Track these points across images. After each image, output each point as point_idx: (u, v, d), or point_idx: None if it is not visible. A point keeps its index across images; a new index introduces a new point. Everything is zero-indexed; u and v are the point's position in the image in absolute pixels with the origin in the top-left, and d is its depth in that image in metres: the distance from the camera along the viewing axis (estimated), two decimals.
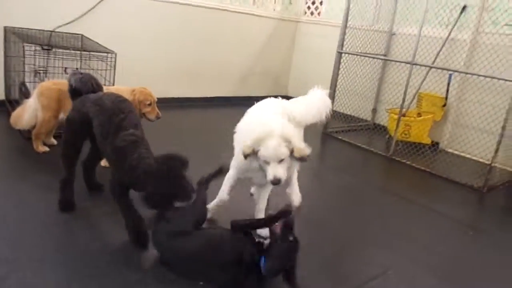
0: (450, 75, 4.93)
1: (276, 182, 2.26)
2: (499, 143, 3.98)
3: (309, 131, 3.07)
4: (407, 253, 2.74)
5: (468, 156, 5.02)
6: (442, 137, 5.32)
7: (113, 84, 3.99)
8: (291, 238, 2.00)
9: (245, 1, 6.33)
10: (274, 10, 6.82)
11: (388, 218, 3.30)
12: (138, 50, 5.29)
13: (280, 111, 2.72)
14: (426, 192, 4.05)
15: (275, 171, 2.25)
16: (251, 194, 3.15)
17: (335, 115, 5.55)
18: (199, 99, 6.04)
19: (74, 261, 2.17)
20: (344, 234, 2.90)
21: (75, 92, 2.62)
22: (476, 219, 3.62)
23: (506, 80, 4.06)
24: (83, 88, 2.59)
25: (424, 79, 5.06)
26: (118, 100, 2.49)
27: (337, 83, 5.37)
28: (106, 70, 4.01)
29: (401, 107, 4.79)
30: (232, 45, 6.28)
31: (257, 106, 2.84)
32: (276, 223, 2.07)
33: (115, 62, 3.99)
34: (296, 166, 2.87)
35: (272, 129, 2.32)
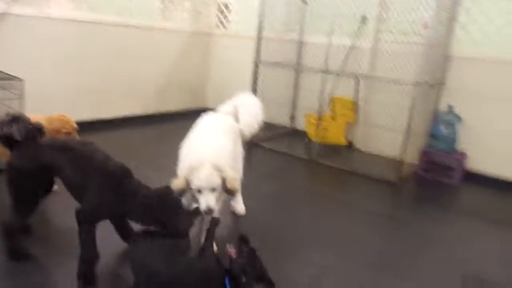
0: (358, 79, 5.37)
1: (208, 212, 2.29)
2: (406, 139, 4.44)
3: None
4: (341, 250, 2.95)
5: (379, 153, 5.50)
6: (355, 137, 5.76)
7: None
8: (246, 250, 2.09)
9: (150, 15, 6.20)
10: (182, 21, 6.77)
11: (319, 217, 3.51)
12: (46, 72, 4.91)
13: (228, 128, 2.84)
14: (349, 190, 4.37)
15: (208, 200, 2.28)
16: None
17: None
18: (115, 120, 5.78)
19: None
20: (281, 237, 3.03)
21: (10, 141, 2.33)
22: (396, 210, 4.00)
23: (404, 84, 4.55)
24: (27, 137, 2.34)
25: (333, 85, 5.43)
26: (87, 143, 2.41)
27: (256, 93, 5.53)
28: (12, 99, 3.67)
29: (319, 112, 5.09)
30: (144, 61, 6.10)
31: (205, 122, 2.93)
32: (229, 249, 2.13)
33: (23, 89, 3.67)
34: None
35: (204, 157, 2.37)
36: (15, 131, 2.28)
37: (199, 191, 2.31)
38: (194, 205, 2.42)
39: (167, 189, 2.27)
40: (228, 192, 2.40)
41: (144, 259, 2.09)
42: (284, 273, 2.58)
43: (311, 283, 2.51)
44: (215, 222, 2.34)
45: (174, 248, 2.16)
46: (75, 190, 2.33)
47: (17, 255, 2.43)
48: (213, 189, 2.31)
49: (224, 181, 2.34)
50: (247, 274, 2.04)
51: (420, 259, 2.97)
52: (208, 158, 2.36)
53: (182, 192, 2.33)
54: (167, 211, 2.19)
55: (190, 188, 2.34)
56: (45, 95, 4.67)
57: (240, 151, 3.11)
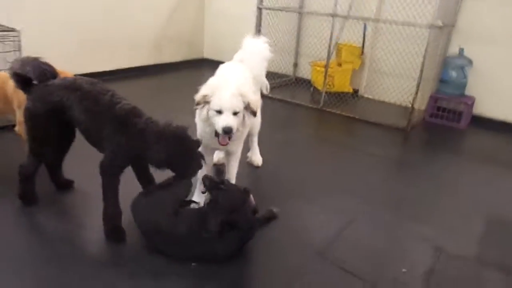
0: (365, 24, 5.18)
1: (227, 130, 2.20)
2: (418, 86, 4.36)
3: None
4: (363, 196, 2.96)
5: (385, 100, 5.43)
6: (360, 84, 5.66)
7: None
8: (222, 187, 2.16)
9: None
10: None
11: (336, 165, 3.50)
12: (44, 25, 4.62)
13: (247, 74, 2.75)
14: (360, 137, 4.34)
15: (227, 119, 2.21)
16: (215, 164, 3.13)
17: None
18: (113, 72, 5.57)
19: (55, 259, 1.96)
20: (304, 187, 3.01)
21: (25, 82, 2.27)
22: (408, 155, 4.01)
23: (419, 26, 4.40)
24: (41, 78, 2.25)
25: (342, 30, 5.24)
26: (95, 82, 2.29)
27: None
28: (9, 52, 3.46)
29: (328, 59, 4.94)
30: (140, 12, 5.80)
31: (226, 68, 2.82)
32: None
33: (19, 41, 3.45)
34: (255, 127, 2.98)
35: (229, 80, 2.36)
36: (30, 71, 2.22)
37: (220, 111, 2.23)
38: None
39: (182, 128, 2.15)
40: (252, 113, 2.35)
41: (144, 216, 2.16)
42: (318, 221, 2.60)
43: (342, 228, 2.53)
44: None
45: (174, 203, 2.17)
46: (86, 133, 2.27)
47: (26, 198, 2.47)
48: (234, 112, 2.24)
49: (247, 105, 2.30)
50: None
51: (439, 203, 2.99)
52: (233, 82, 2.34)
53: (198, 104, 2.31)
54: (182, 152, 2.11)
55: (209, 109, 2.27)
56: (42, 48, 4.38)
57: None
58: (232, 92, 2.24)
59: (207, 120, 2.31)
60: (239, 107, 2.25)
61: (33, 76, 2.24)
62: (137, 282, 1.96)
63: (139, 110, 2.20)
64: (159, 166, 2.16)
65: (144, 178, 2.49)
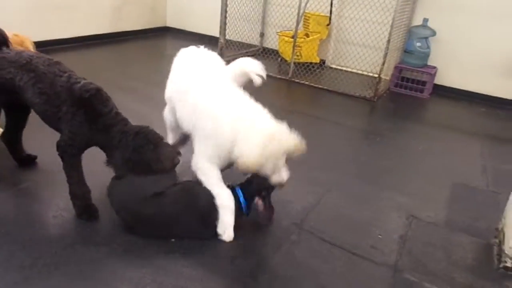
0: None
1: (282, 185, 2.14)
2: (385, 56, 4.40)
3: None
4: (338, 168, 2.99)
5: (351, 70, 5.47)
6: (327, 55, 5.65)
7: None
8: None
9: None
10: None
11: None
12: None
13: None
14: (328, 108, 4.36)
15: (283, 175, 2.11)
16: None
17: (228, 43, 5.43)
18: (70, 40, 5.23)
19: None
20: None
21: None
22: (377, 126, 4.08)
23: None
24: None
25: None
26: (53, 62, 2.10)
27: (226, 9, 5.14)
28: None
29: (296, 29, 4.87)
30: None
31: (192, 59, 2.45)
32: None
33: None
34: None
35: (285, 145, 2.11)
36: None
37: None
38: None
39: (146, 127, 2.04)
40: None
41: (122, 200, 2.06)
42: (292, 192, 2.58)
43: (318, 199, 2.55)
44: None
45: (153, 185, 2.07)
46: (41, 114, 2.11)
47: None
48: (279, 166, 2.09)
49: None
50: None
51: (409, 171, 3.08)
52: (281, 137, 2.11)
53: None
54: (146, 149, 1.97)
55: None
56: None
57: None
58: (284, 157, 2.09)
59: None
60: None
61: None
62: (116, 259, 1.89)
63: (104, 93, 2.03)
64: (125, 165, 2.00)
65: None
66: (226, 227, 2.09)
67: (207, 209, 2.07)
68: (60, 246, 1.93)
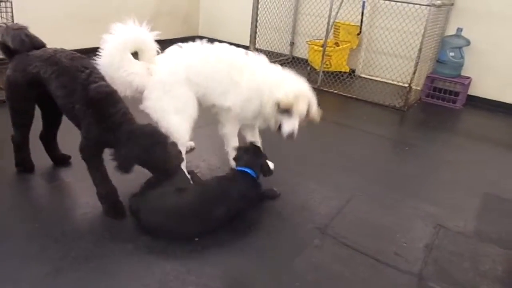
0: (364, 2, 5.11)
1: (291, 136, 2.45)
2: (416, 66, 4.34)
3: None
4: (363, 174, 2.96)
5: (381, 79, 5.42)
6: (357, 64, 5.62)
7: None
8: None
9: None
10: None
11: (335, 144, 3.50)
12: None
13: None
14: (358, 117, 4.32)
15: (294, 124, 2.44)
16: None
17: (258, 52, 5.49)
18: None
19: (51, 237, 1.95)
20: (306, 165, 3.01)
21: (9, 50, 2.21)
22: (407, 135, 4.01)
23: (419, 4, 4.35)
24: (20, 47, 2.18)
25: (339, 8, 5.17)
26: (77, 57, 2.19)
27: (257, 19, 5.23)
28: (1, 24, 3.36)
29: (326, 38, 4.88)
30: None
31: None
32: None
33: (12, 13, 3.35)
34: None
35: (304, 89, 2.49)
36: (9, 39, 2.17)
37: (290, 114, 2.41)
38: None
39: (153, 127, 2.11)
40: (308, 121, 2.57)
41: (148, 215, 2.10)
42: (318, 198, 2.60)
43: (342, 205, 2.54)
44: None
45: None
46: (63, 108, 2.18)
47: (21, 166, 2.51)
48: (301, 116, 2.45)
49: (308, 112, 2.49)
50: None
51: (438, 181, 3.02)
52: (306, 91, 2.50)
53: (287, 110, 2.40)
54: (155, 149, 2.03)
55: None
56: (34, 20, 4.29)
57: None
58: (306, 102, 2.44)
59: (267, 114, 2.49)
60: (305, 112, 2.45)
61: (11, 44, 2.18)
62: (141, 256, 1.95)
63: (116, 96, 2.09)
64: (131, 163, 2.05)
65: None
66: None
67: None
68: (89, 241, 2.01)
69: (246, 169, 2.31)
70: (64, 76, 2.09)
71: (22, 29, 2.21)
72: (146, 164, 2.05)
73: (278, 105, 2.39)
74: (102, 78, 2.13)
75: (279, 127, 2.49)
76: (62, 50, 2.21)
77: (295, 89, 2.44)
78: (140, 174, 2.18)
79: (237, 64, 2.53)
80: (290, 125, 2.42)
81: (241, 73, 2.50)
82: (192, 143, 3.08)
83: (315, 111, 2.55)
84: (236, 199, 2.19)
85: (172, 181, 2.17)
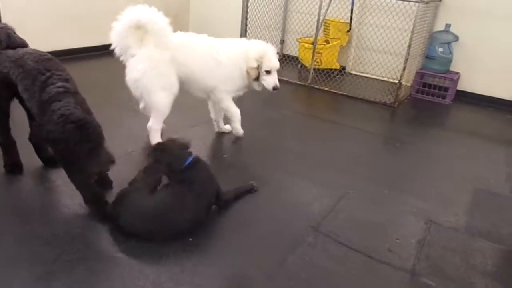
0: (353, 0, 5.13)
1: (276, 88, 3.01)
2: (406, 62, 4.37)
3: None
4: (354, 171, 2.97)
5: (372, 76, 5.44)
6: (347, 61, 5.64)
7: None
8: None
9: None
10: None
11: (327, 142, 3.51)
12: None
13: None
14: (349, 113, 4.35)
15: (275, 79, 3.00)
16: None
17: None
18: (94, 48, 5.40)
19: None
20: (298, 163, 3.01)
21: None
22: (397, 131, 4.04)
23: (408, 0, 4.38)
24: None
25: (329, 5, 5.17)
26: (43, 59, 2.13)
27: (247, 16, 5.22)
28: None
29: (316, 35, 4.89)
30: None
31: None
32: None
33: None
34: None
35: (267, 46, 3.02)
36: None
37: (269, 72, 2.96)
38: None
39: (91, 121, 2.03)
40: None
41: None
42: (310, 195, 2.61)
43: (335, 202, 2.55)
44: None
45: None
46: (30, 109, 2.15)
47: (8, 167, 2.49)
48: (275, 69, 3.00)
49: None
50: None
51: (429, 176, 3.04)
52: (271, 48, 3.03)
53: (257, 75, 2.96)
54: (83, 148, 1.97)
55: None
56: (23, 21, 4.23)
57: None
58: (276, 55, 3.01)
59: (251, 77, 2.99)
60: (278, 65, 3.03)
61: None
62: (134, 257, 1.94)
63: (68, 94, 2.02)
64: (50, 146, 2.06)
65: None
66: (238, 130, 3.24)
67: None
68: (81, 243, 1.99)
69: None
70: (26, 80, 2.07)
71: (4, 28, 2.20)
72: (68, 158, 2.03)
73: (249, 72, 2.95)
74: (64, 80, 2.07)
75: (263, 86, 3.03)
76: (33, 52, 2.18)
77: (258, 52, 2.94)
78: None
79: (215, 45, 2.98)
80: (270, 81, 2.98)
81: (218, 52, 2.94)
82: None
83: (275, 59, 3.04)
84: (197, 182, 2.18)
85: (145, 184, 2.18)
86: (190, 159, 2.21)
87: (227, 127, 3.39)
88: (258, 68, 2.93)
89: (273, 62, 2.95)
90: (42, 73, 2.06)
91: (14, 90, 2.17)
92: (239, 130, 3.23)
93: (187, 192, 2.12)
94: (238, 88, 3.10)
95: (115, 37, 2.69)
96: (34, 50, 2.20)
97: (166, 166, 2.16)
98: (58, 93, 2.00)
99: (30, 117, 2.46)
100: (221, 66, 2.94)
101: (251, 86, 3.08)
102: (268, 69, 2.94)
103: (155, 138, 2.90)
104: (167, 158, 2.17)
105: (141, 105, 3.09)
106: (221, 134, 3.40)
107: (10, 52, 2.17)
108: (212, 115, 3.37)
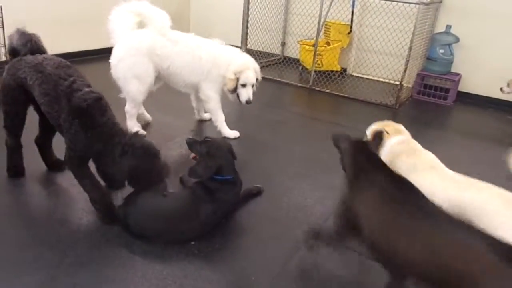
0: (354, 1, 5.14)
1: (248, 102, 3.15)
2: (407, 64, 4.38)
3: None
4: None
5: (373, 78, 5.45)
6: (348, 63, 5.65)
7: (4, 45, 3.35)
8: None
9: None
10: None
11: (326, 143, 3.46)
12: (27, 1, 4.46)
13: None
14: (349, 115, 4.36)
15: (249, 93, 3.14)
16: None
17: (249, 53, 5.49)
18: (97, 51, 5.42)
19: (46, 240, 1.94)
20: (294, 164, 3.02)
21: (13, 53, 2.24)
22: None
23: (408, 2, 4.38)
24: (22, 48, 2.20)
25: (329, 8, 5.18)
26: (63, 65, 2.17)
27: (248, 19, 5.23)
28: None
29: (317, 37, 4.90)
30: None
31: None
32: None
33: (1, 18, 3.32)
34: None
35: (248, 62, 3.16)
36: (14, 39, 2.24)
37: (244, 85, 3.09)
38: None
39: (147, 140, 2.12)
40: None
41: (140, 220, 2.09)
42: (312, 198, 2.62)
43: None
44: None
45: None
46: (49, 117, 2.18)
47: (11, 170, 2.50)
48: (252, 85, 3.15)
49: (257, 79, 3.21)
50: None
51: None
52: (251, 63, 3.17)
53: (234, 88, 3.11)
54: (151, 162, 2.07)
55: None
56: (26, 25, 4.28)
57: None
58: (253, 71, 3.12)
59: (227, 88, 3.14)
60: (254, 80, 3.15)
61: (14, 43, 2.22)
62: (137, 261, 1.95)
63: (103, 103, 2.06)
64: (119, 179, 2.10)
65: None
66: (228, 135, 3.31)
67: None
68: (85, 247, 2.01)
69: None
70: (46, 84, 2.09)
71: (26, 33, 2.26)
72: (139, 177, 2.05)
73: (227, 83, 3.09)
74: (87, 85, 2.10)
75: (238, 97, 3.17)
76: (51, 58, 2.21)
77: (239, 66, 3.08)
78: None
79: (198, 43, 3.13)
80: (245, 94, 3.12)
81: (200, 48, 3.08)
82: (149, 117, 3.50)
83: (259, 74, 3.24)
84: (222, 200, 2.19)
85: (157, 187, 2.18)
86: (232, 176, 2.24)
87: (206, 116, 3.58)
88: (235, 80, 3.08)
89: (250, 78, 3.10)
90: (64, 78, 2.08)
91: (32, 95, 2.19)
92: (230, 134, 3.30)
93: (208, 203, 2.13)
94: (218, 88, 3.21)
95: (114, 17, 3.02)
96: (52, 56, 2.24)
97: (214, 166, 2.15)
98: (95, 99, 2.01)
99: (42, 121, 2.47)
100: (201, 61, 3.08)
101: (226, 95, 3.24)
102: (243, 83, 3.10)
103: (131, 122, 3.16)
104: (219, 160, 2.18)
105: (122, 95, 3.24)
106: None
107: (29, 57, 2.21)
108: (194, 104, 3.58)
